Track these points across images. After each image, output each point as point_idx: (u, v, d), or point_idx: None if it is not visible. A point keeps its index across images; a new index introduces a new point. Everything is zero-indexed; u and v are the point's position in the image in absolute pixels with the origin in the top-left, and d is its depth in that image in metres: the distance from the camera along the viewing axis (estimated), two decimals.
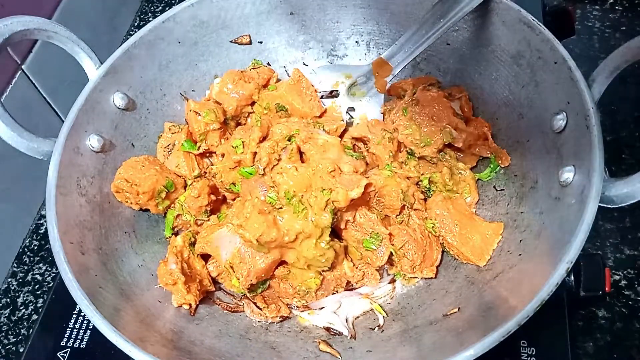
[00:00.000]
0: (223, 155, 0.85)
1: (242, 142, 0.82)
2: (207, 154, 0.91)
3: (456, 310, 0.71)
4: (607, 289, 0.81)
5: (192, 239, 0.81)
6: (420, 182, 0.84)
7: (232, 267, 0.76)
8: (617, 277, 0.90)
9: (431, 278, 0.79)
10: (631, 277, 0.90)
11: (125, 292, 0.72)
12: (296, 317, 0.79)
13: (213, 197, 0.85)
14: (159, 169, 0.84)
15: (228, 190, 0.85)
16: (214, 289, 0.81)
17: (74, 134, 0.79)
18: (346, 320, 0.77)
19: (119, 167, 0.82)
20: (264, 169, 0.79)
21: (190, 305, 0.76)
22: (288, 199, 0.74)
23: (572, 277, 0.82)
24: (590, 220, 0.60)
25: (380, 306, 0.79)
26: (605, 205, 0.63)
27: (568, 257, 0.59)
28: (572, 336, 0.81)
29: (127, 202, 0.82)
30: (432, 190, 0.84)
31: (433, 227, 0.79)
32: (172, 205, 0.86)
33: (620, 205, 0.62)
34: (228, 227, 0.77)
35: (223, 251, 0.77)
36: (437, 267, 0.80)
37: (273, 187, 0.76)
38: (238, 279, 0.76)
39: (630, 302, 0.88)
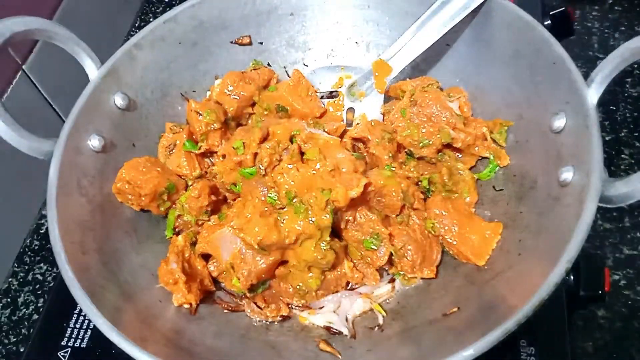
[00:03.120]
0: (224, 156, 0.85)
1: (243, 143, 0.82)
2: (208, 154, 0.91)
3: (456, 309, 0.71)
4: (606, 288, 0.82)
5: (193, 239, 0.81)
6: (420, 182, 0.84)
7: (232, 268, 0.76)
8: (616, 277, 0.90)
9: (431, 278, 0.79)
10: (631, 277, 0.91)
11: (126, 292, 0.72)
12: (296, 316, 0.79)
13: (213, 198, 0.84)
14: (161, 171, 0.84)
15: (229, 191, 0.85)
16: (214, 288, 0.81)
17: (75, 134, 0.79)
18: (346, 320, 0.77)
19: (120, 167, 0.82)
20: (265, 170, 0.79)
21: (190, 304, 0.76)
22: (289, 199, 0.74)
23: (572, 277, 0.82)
24: (590, 220, 0.60)
25: (380, 305, 0.79)
26: (604, 205, 0.63)
27: (567, 257, 0.59)
28: (571, 336, 0.81)
29: (128, 202, 0.82)
30: (432, 190, 0.84)
31: (433, 226, 0.80)
32: (173, 205, 0.86)
33: (619, 205, 0.63)
34: (229, 228, 0.77)
35: (224, 251, 0.77)
36: (437, 267, 0.80)
37: (274, 187, 0.76)
38: (239, 279, 0.76)
39: (629, 302, 0.88)
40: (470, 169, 0.87)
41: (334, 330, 0.76)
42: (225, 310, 0.79)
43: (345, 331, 0.76)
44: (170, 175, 0.85)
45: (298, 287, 0.78)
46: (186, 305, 0.76)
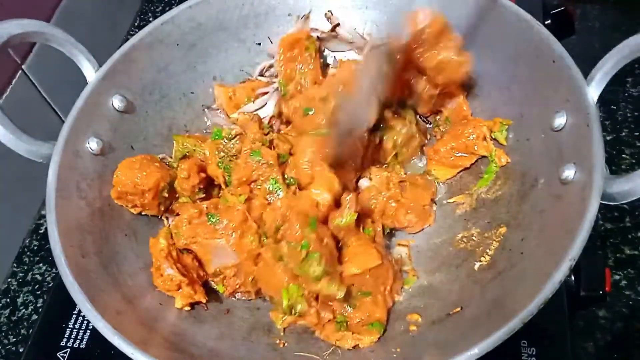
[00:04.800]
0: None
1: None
2: None
3: (459, 309, 0.71)
4: (607, 289, 0.81)
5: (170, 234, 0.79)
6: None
7: (222, 278, 0.76)
8: (617, 277, 0.90)
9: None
10: (631, 277, 0.90)
11: (127, 295, 0.72)
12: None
13: (203, 175, 0.84)
14: (159, 166, 0.82)
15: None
16: (208, 276, 0.80)
17: (73, 137, 0.78)
18: None
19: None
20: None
21: (200, 302, 0.75)
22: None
23: (573, 277, 0.82)
24: (592, 218, 0.60)
25: None
26: (606, 203, 0.63)
27: (571, 255, 0.59)
28: (572, 336, 0.80)
29: (128, 205, 0.81)
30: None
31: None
32: (174, 202, 0.85)
33: (621, 202, 0.62)
34: (226, 240, 0.76)
35: (215, 258, 0.76)
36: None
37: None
38: (225, 287, 0.76)
39: (630, 302, 0.88)
40: (470, 167, 0.87)
41: None
42: (226, 314, 0.79)
43: None
44: (170, 170, 0.84)
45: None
46: (187, 308, 0.75)
